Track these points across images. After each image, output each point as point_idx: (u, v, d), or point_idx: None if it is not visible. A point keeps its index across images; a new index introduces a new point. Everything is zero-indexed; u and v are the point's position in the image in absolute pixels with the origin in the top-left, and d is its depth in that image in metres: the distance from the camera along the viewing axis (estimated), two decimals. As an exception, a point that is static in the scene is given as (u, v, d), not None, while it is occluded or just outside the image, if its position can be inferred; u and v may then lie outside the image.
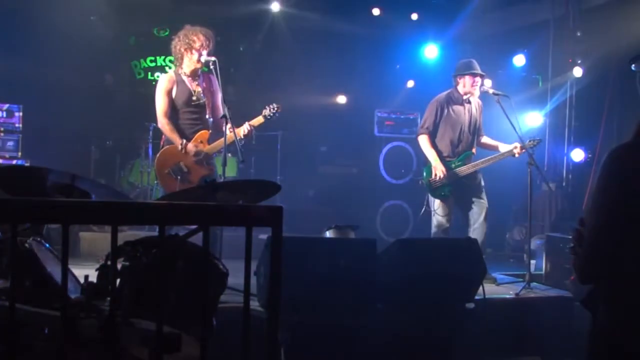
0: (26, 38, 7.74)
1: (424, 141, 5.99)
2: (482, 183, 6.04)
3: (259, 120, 5.25)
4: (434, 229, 6.03)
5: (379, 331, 4.48)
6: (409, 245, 5.10)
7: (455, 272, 4.78)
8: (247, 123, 5.19)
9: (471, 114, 6.07)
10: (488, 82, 7.94)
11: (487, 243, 6.12)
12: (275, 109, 5.22)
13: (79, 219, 1.72)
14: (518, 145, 5.83)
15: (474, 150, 6.12)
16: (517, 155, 5.86)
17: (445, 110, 6.00)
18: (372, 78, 9.27)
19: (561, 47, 8.20)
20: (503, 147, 6.03)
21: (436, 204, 5.99)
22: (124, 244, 2.74)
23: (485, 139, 6.25)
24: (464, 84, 5.99)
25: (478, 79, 5.99)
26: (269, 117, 5.23)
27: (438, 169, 5.86)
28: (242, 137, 5.15)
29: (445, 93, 6.10)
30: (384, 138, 8.43)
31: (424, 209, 6.15)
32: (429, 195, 6.07)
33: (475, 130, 6.11)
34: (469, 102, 6.06)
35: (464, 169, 5.95)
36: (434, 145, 5.98)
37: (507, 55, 8.59)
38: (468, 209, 6.01)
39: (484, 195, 5.99)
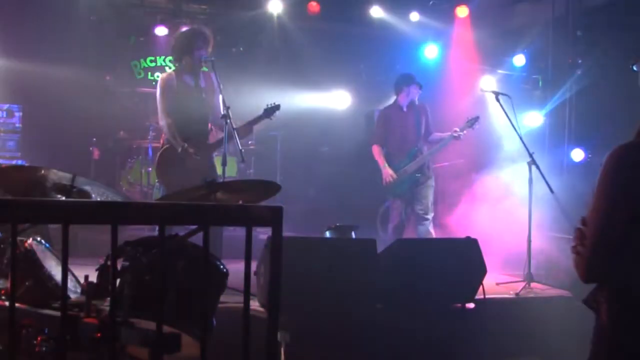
0: (26, 38, 7.74)
1: (374, 150, 6.72)
2: (432, 184, 6.66)
3: (258, 118, 5.25)
4: (389, 225, 6.69)
5: (379, 331, 4.48)
6: (409, 245, 5.11)
7: (455, 272, 4.78)
8: (246, 122, 5.21)
9: (414, 118, 6.65)
10: (488, 82, 7.96)
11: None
12: (275, 107, 5.23)
13: (79, 219, 1.72)
14: (455, 129, 6.41)
15: (418, 147, 6.62)
16: (459, 136, 6.40)
17: (391, 121, 6.69)
18: (372, 78, 9.25)
19: (561, 47, 8.19)
20: (439, 135, 6.64)
21: (392, 201, 6.70)
22: (124, 244, 2.74)
23: (434, 135, 6.72)
24: (410, 93, 6.62)
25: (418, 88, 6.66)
26: (268, 115, 5.23)
27: (385, 174, 6.53)
28: (242, 135, 5.17)
29: (387, 106, 6.87)
30: (384, 138, 8.42)
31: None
32: (388, 195, 6.77)
33: (419, 132, 6.65)
34: (411, 108, 6.66)
35: (412, 165, 6.50)
36: (383, 152, 6.63)
37: (507, 55, 8.58)
38: (417, 207, 6.54)
39: (431, 196, 6.60)
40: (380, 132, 6.78)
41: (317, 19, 8.93)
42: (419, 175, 6.53)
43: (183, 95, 5.24)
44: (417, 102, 6.73)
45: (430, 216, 6.55)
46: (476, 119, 6.40)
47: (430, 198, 6.60)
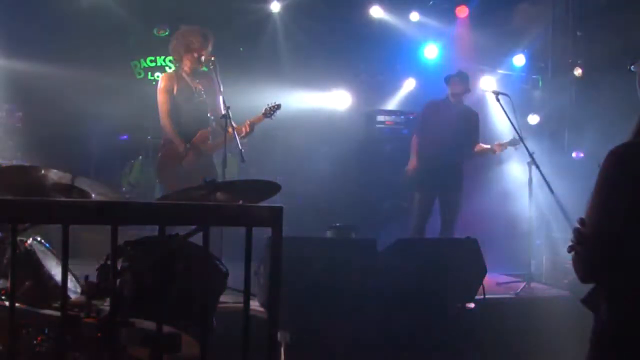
0: (26, 38, 7.73)
1: (412, 140, 6.64)
2: (462, 185, 6.49)
3: (259, 118, 5.26)
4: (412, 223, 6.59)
5: (379, 331, 4.48)
6: (409, 245, 5.11)
7: (455, 272, 4.78)
8: (248, 120, 5.22)
9: (459, 120, 6.44)
10: (488, 82, 7.96)
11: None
12: (275, 106, 5.24)
13: (79, 219, 1.72)
14: (497, 143, 6.34)
15: (454, 148, 6.44)
16: (495, 152, 6.40)
17: (433, 114, 6.55)
18: (372, 78, 9.25)
19: (561, 47, 8.19)
20: (481, 147, 6.50)
21: (415, 197, 6.54)
22: (124, 244, 2.74)
23: (477, 147, 6.54)
24: (451, 87, 6.47)
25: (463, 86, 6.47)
26: (269, 114, 5.25)
27: (410, 163, 6.51)
28: (244, 134, 5.17)
29: (437, 99, 6.68)
30: (384, 138, 8.42)
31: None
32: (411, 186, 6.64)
33: (460, 135, 6.43)
34: (460, 109, 6.49)
35: (443, 165, 6.34)
36: (419, 144, 6.52)
37: (507, 55, 8.57)
38: (443, 208, 6.46)
39: (460, 199, 6.46)
40: (420, 123, 6.76)
41: (318, 19, 8.93)
42: (447, 175, 6.36)
43: (183, 95, 5.25)
44: (468, 106, 6.58)
45: (453, 223, 6.38)
46: (519, 140, 6.10)
47: (458, 204, 6.44)
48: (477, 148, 6.50)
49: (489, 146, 6.41)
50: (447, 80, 6.54)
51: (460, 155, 6.44)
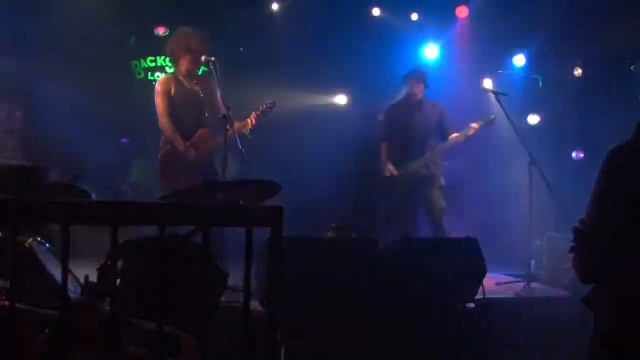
0: (27, 38, 7.73)
1: (381, 148, 6.61)
2: (442, 184, 6.39)
3: (256, 115, 5.28)
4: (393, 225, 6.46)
5: (378, 331, 4.48)
6: (408, 244, 5.11)
7: (455, 272, 4.78)
8: (253, 113, 5.24)
9: (423, 117, 6.39)
10: (488, 82, 7.96)
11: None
12: (271, 104, 5.27)
13: (79, 219, 1.72)
14: (472, 125, 6.17)
15: (424, 146, 6.39)
16: (471, 134, 6.17)
17: (397, 118, 6.52)
18: (372, 78, 9.25)
19: (561, 47, 8.19)
20: (454, 136, 6.31)
21: (395, 200, 6.46)
22: (124, 244, 2.74)
23: (451, 137, 6.39)
24: (410, 87, 6.45)
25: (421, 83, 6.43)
26: (266, 112, 5.27)
27: (386, 170, 6.42)
28: (251, 127, 5.19)
29: (395, 101, 6.69)
30: (384, 138, 8.42)
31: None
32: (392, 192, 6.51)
33: (428, 131, 6.40)
34: (422, 105, 6.43)
35: (416, 164, 6.29)
36: (388, 149, 6.50)
37: (507, 55, 8.58)
38: (427, 206, 6.35)
39: (442, 197, 6.32)
40: (384, 128, 6.67)
41: (317, 19, 8.93)
42: (424, 174, 6.31)
43: (181, 96, 5.25)
44: (428, 101, 6.48)
45: (442, 219, 6.29)
46: (494, 120, 6.13)
47: (441, 200, 6.33)
48: (451, 138, 6.34)
49: (460, 133, 6.25)
50: (404, 79, 6.51)
51: (430, 149, 6.38)
